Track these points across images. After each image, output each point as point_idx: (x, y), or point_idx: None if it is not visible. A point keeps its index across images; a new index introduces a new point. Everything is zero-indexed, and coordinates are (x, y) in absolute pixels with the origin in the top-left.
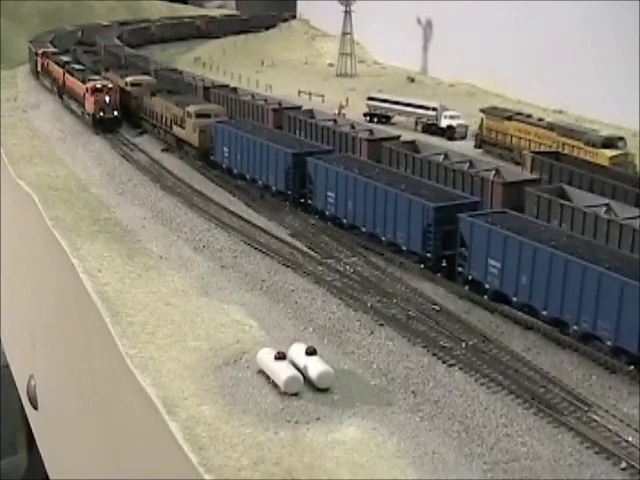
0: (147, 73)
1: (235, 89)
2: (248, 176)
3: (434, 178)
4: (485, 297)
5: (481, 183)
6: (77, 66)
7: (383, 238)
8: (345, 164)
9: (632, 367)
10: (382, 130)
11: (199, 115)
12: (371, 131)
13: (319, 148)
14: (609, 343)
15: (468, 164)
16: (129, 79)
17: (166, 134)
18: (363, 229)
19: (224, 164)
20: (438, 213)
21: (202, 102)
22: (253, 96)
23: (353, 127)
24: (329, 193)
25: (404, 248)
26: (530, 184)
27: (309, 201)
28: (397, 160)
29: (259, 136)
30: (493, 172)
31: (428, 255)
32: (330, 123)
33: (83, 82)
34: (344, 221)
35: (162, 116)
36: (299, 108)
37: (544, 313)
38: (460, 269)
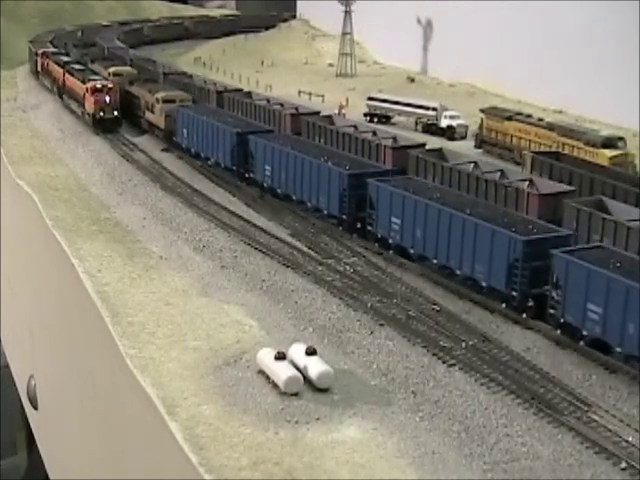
0: (128, 64)
1: (250, 93)
2: (202, 154)
3: (464, 188)
4: (391, 252)
5: (516, 194)
6: (77, 66)
7: (309, 204)
8: (281, 141)
9: (504, 305)
10: (406, 137)
11: (165, 101)
12: (395, 138)
13: (262, 128)
14: (484, 284)
15: (499, 174)
16: (111, 70)
17: (140, 119)
18: (294, 197)
19: (184, 144)
20: (352, 179)
21: (171, 89)
22: (269, 100)
23: (375, 134)
24: (266, 166)
25: (325, 212)
26: (566, 196)
27: (251, 174)
28: (425, 169)
29: (211, 118)
30: (527, 183)
31: (344, 217)
32: (351, 129)
33: (83, 82)
34: (279, 191)
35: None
36: (317, 113)
37: (434, 262)
38: (370, 228)
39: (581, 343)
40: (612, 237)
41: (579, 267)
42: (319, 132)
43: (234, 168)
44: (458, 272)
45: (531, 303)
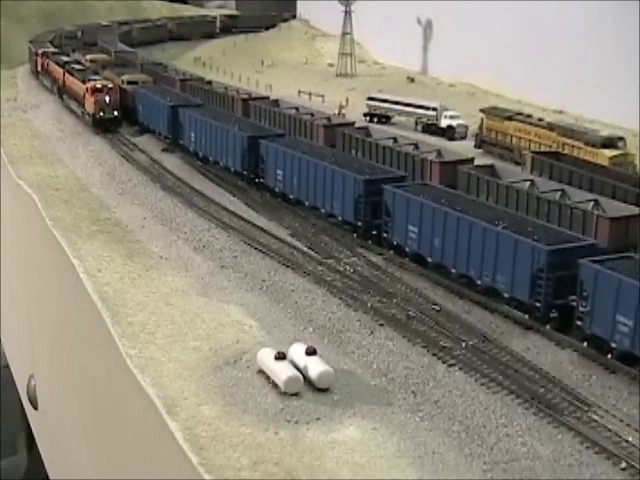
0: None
1: (277, 101)
2: (151, 126)
3: (523, 209)
4: (279, 199)
5: (583, 217)
6: (77, 66)
7: (221, 163)
8: (202, 112)
9: (355, 234)
10: (450, 150)
11: (130, 82)
12: (439, 151)
13: (192, 102)
14: (340, 218)
15: (560, 193)
16: (88, 57)
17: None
18: (210, 158)
19: (139, 119)
20: (250, 141)
21: (136, 73)
22: (297, 109)
23: (417, 147)
24: (192, 134)
25: (232, 169)
26: (636, 219)
27: (181, 141)
28: (477, 186)
29: (155, 95)
30: (592, 203)
31: (245, 172)
32: (390, 142)
33: (83, 82)
34: (200, 154)
35: None
36: (352, 124)
37: (307, 203)
38: (262, 180)
39: (406, 259)
40: None
41: (402, 197)
42: (356, 145)
43: (170, 137)
44: (322, 210)
45: (374, 232)
